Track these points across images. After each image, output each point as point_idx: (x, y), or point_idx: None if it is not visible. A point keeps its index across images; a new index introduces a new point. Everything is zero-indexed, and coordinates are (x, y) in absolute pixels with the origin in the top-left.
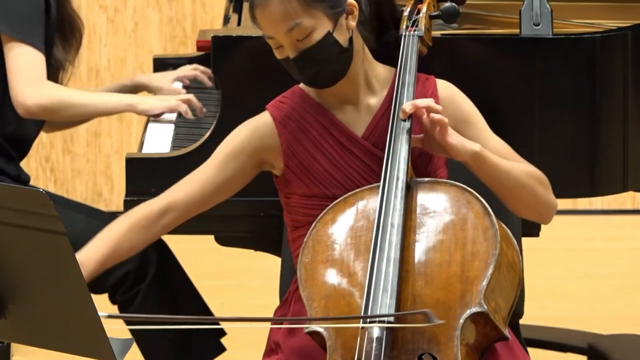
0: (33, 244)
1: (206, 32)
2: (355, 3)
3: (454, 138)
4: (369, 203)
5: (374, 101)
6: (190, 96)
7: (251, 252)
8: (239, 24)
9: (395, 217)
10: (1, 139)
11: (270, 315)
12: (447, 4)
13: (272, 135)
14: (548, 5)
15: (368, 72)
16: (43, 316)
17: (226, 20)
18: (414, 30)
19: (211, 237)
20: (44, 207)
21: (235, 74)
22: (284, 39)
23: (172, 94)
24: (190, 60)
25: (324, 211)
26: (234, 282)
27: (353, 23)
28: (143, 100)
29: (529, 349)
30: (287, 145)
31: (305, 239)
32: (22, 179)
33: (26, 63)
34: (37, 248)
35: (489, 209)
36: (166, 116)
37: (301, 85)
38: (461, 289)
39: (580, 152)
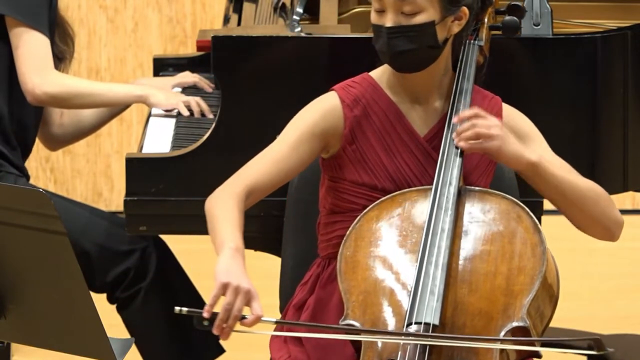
0: (33, 244)
1: (206, 32)
2: (467, 13)
3: (508, 147)
4: (417, 205)
5: (441, 105)
6: (196, 99)
7: (251, 252)
8: (239, 24)
9: (446, 222)
10: (5, 126)
11: (275, 313)
12: (508, 18)
13: (338, 119)
14: (548, 5)
15: (445, 79)
16: (43, 316)
17: (226, 20)
18: (475, 39)
19: None
20: (44, 207)
21: (235, 74)
22: (391, 5)
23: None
24: (190, 60)
25: (370, 207)
26: None
27: (456, 29)
28: (154, 93)
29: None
30: (350, 129)
31: (348, 232)
32: (25, 173)
33: (35, 50)
34: (37, 248)
35: (539, 226)
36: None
37: (372, 74)
38: (504, 301)
39: (580, 152)
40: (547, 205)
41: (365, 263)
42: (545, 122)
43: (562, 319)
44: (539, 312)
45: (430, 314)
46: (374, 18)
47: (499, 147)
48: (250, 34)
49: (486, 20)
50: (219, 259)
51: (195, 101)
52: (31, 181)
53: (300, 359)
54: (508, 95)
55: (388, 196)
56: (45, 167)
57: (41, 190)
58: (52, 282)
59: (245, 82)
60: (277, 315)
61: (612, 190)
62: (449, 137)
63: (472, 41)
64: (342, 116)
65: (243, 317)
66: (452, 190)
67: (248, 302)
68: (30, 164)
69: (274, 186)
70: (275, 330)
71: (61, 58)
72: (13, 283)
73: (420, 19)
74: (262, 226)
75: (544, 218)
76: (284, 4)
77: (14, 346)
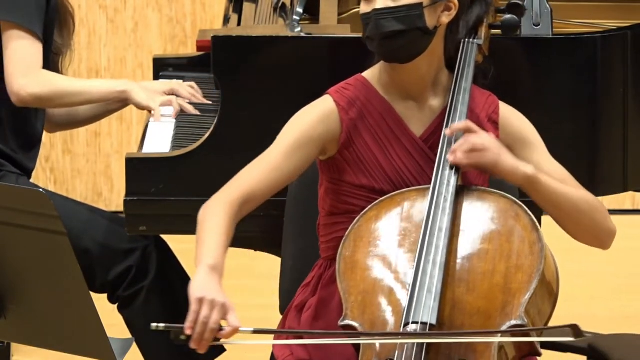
0: (33, 244)
1: (206, 32)
2: (457, 4)
3: (505, 163)
4: (416, 204)
5: (437, 104)
6: (177, 100)
7: (251, 252)
8: (239, 24)
9: (444, 221)
10: (5, 126)
11: (275, 312)
12: (508, 16)
13: (335, 123)
14: (548, 5)
15: (439, 75)
16: (43, 316)
17: (226, 20)
18: (474, 38)
19: None
20: (44, 207)
21: (235, 74)
22: None
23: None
24: (190, 60)
25: (369, 207)
26: (234, 282)
27: (445, 20)
28: (136, 90)
29: None
30: (346, 132)
31: (347, 232)
32: (30, 171)
33: (24, 51)
34: (37, 248)
35: (537, 224)
36: (166, 112)
37: (365, 74)
38: (503, 300)
39: (580, 152)
40: None
41: (364, 263)
42: (545, 122)
43: (562, 318)
44: (537, 310)
45: (428, 313)
46: (362, 8)
47: (496, 161)
48: (250, 34)
49: (486, 19)
50: (194, 277)
51: (175, 101)
52: (31, 181)
53: (303, 358)
54: (508, 95)
55: (387, 196)
56: (45, 167)
57: (41, 190)
58: (52, 282)
59: (245, 82)
60: (278, 316)
61: (612, 190)
62: (447, 136)
63: (470, 40)
64: (338, 120)
65: (221, 329)
66: (450, 189)
67: (224, 315)
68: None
69: (271, 192)
70: (255, 335)
71: (57, 53)
72: (13, 283)
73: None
74: (262, 226)
75: (544, 218)
76: (284, 4)
77: (14, 346)
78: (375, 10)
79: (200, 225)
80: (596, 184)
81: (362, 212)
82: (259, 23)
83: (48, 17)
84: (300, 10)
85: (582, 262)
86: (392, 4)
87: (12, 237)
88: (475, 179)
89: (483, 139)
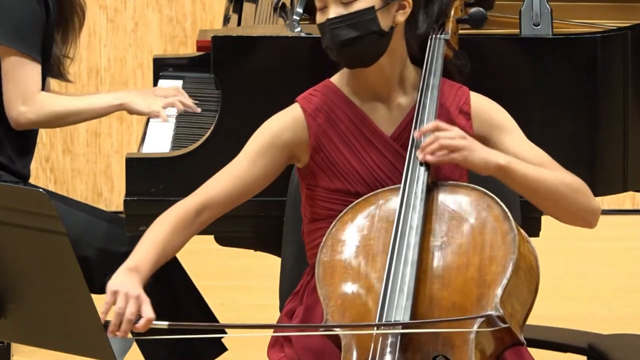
0: (33, 244)
1: (206, 32)
2: (410, 2)
3: (474, 157)
4: (390, 204)
5: (406, 101)
6: (179, 98)
7: (251, 252)
8: (239, 24)
9: (415, 218)
10: (5, 139)
11: (275, 312)
12: (475, 9)
13: (302, 129)
14: (548, 5)
15: (404, 73)
16: (43, 316)
17: (226, 20)
18: (441, 33)
19: (211, 237)
20: (44, 207)
21: (235, 74)
22: None
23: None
24: (190, 60)
25: (344, 210)
26: (234, 282)
27: (401, 18)
28: (134, 100)
29: (529, 349)
30: (315, 138)
31: (324, 238)
32: (26, 177)
33: (21, 75)
34: (37, 248)
35: (509, 214)
36: (170, 112)
37: (332, 79)
38: (478, 292)
39: (580, 152)
40: None
41: (342, 267)
42: (545, 122)
43: (562, 318)
44: (516, 300)
45: (400, 312)
46: (318, 19)
47: (465, 156)
48: (250, 34)
49: (452, 13)
50: (112, 276)
51: (178, 100)
52: (31, 181)
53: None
54: (508, 95)
55: (362, 198)
56: (45, 167)
57: (41, 190)
58: (52, 282)
59: (245, 82)
60: (278, 316)
61: (612, 190)
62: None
63: (437, 35)
64: (305, 126)
65: (136, 321)
66: (420, 186)
67: (139, 307)
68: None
69: (235, 200)
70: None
71: (59, 63)
72: (13, 283)
73: (359, 5)
74: (262, 226)
75: (544, 218)
76: (284, 4)
77: (14, 346)
78: (328, 20)
79: (146, 231)
80: (596, 184)
81: (339, 217)
82: (259, 23)
83: (48, 30)
84: (300, 10)
85: (583, 263)
86: (344, 12)
87: (12, 237)
88: (452, 172)
89: (451, 135)
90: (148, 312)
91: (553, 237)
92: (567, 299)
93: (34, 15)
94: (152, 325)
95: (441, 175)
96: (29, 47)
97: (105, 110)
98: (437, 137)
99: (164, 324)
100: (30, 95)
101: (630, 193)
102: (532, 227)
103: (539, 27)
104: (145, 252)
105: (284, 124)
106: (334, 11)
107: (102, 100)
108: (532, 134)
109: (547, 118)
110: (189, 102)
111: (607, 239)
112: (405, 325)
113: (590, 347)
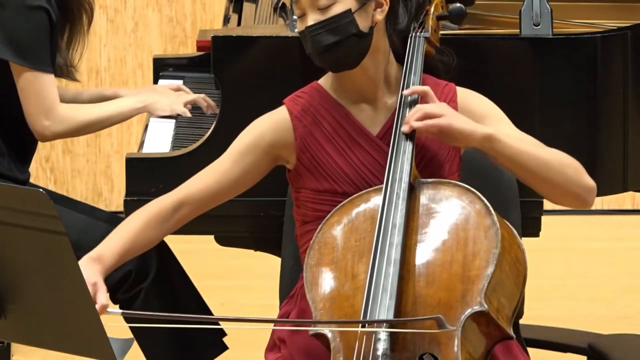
0: (33, 244)
1: (206, 32)
2: (388, 1)
3: (459, 122)
4: (372, 204)
5: (392, 101)
6: (202, 96)
7: (251, 252)
8: (239, 24)
9: (397, 217)
10: (3, 150)
11: (275, 312)
12: (455, 5)
13: (287, 130)
14: (548, 5)
15: (389, 72)
16: (43, 316)
17: (226, 20)
18: (421, 31)
19: (211, 237)
20: (44, 207)
21: (235, 74)
22: (308, 5)
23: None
24: (190, 60)
25: (331, 213)
26: (234, 282)
27: (379, 17)
28: (157, 100)
29: (529, 349)
30: (301, 139)
31: (311, 241)
32: (25, 182)
33: (38, 90)
34: (37, 248)
35: (491, 208)
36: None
37: (320, 81)
38: (462, 288)
39: (580, 152)
40: (547, 205)
41: (329, 270)
42: (545, 122)
43: (562, 319)
44: (502, 294)
45: (384, 312)
46: (298, 27)
47: (450, 124)
48: (250, 34)
49: (432, 10)
50: None
51: (202, 98)
52: (31, 181)
53: (289, 359)
54: (508, 95)
55: (347, 200)
56: (45, 167)
57: (41, 190)
58: (52, 282)
59: (245, 82)
60: (277, 314)
61: (612, 190)
62: (397, 132)
63: (418, 33)
64: (290, 128)
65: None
66: (403, 185)
67: (94, 293)
68: (31, 164)
69: (215, 197)
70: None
71: (64, 69)
72: (13, 283)
73: (337, 9)
74: (262, 226)
75: (544, 218)
76: (284, 4)
77: (14, 346)
78: (307, 27)
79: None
80: (596, 184)
81: (325, 219)
82: (259, 23)
83: (53, 35)
84: None
85: (583, 262)
86: (322, 18)
87: (12, 237)
88: (440, 167)
89: (436, 105)
90: (102, 299)
91: (553, 237)
92: (567, 299)
93: (41, 26)
94: (106, 313)
95: (430, 172)
96: (41, 61)
97: (129, 115)
98: (421, 107)
99: (117, 311)
100: (51, 108)
101: (630, 193)
102: (532, 227)
103: (539, 27)
104: (111, 244)
105: (269, 125)
106: (312, 18)
107: (124, 104)
108: (532, 134)
109: (547, 118)
110: (211, 102)
111: (607, 239)
112: (379, 323)
113: (590, 347)
